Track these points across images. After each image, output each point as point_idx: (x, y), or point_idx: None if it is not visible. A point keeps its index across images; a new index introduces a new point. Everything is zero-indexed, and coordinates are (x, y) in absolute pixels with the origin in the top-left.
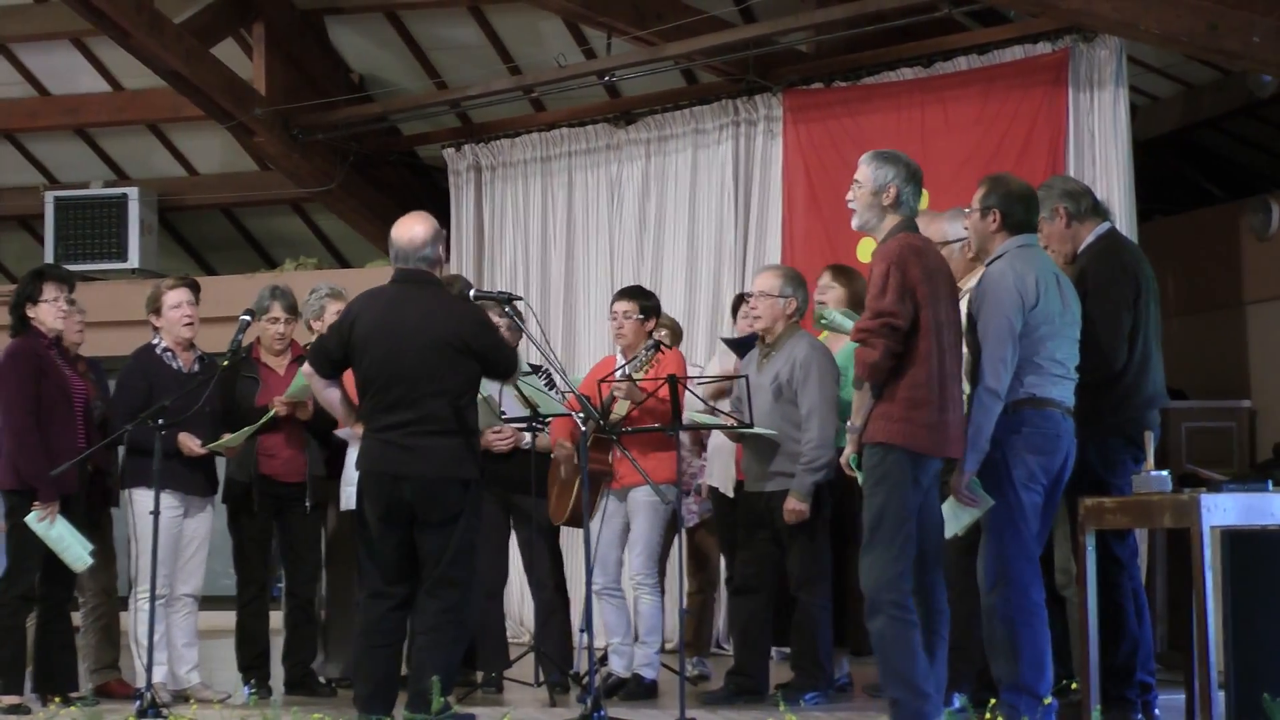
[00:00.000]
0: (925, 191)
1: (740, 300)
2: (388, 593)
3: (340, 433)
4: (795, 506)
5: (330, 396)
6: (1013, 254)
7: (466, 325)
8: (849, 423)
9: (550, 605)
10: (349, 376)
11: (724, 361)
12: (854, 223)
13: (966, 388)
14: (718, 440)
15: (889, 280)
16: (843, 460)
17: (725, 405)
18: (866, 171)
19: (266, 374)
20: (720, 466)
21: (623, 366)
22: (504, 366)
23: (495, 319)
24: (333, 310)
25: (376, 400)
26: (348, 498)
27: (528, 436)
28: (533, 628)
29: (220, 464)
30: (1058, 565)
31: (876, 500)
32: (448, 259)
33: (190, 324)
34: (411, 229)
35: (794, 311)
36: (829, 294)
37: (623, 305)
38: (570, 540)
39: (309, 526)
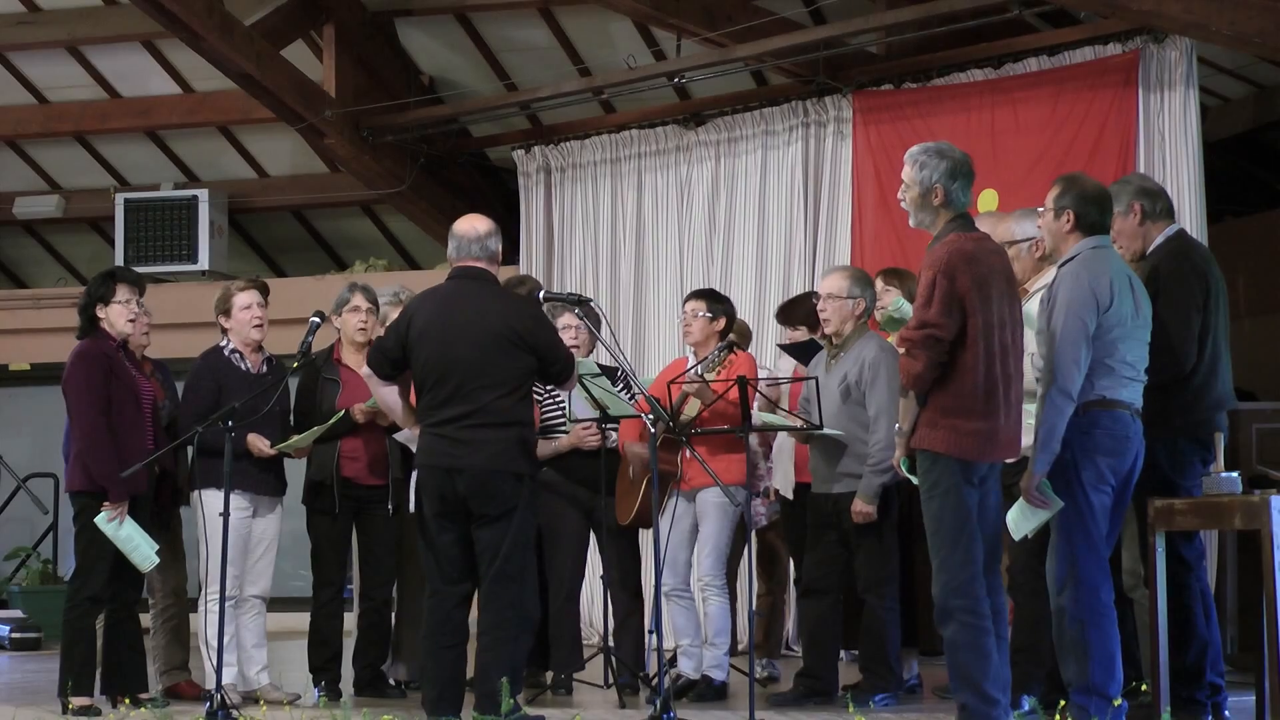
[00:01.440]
0: (995, 193)
1: (787, 309)
2: (449, 591)
3: (399, 436)
4: (862, 508)
5: (388, 397)
6: (1086, 255)
7: (520, 318)
8: (896, 426)
9: (627, 609)
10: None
11: (785, 364)
12: (910, 222)
13: (1039, 389)
14: (780, 442)
15: (935, 290)
16: (893, 461)
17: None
18: (910, 172)
19: (347, 375)
20: (781, 469)
21: (694, 366)
22: (559, 367)
23: (570, 320)
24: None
25: (432, 395)
26: (414, 499)
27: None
28: (603, 629)
29: (299, 465)
30: (1125, 567)
31: (933, 507)
32: (516, 259)
33: (260, 325)
34: (473, 222)
35: (862, 312)
36: (885, 298)
37: (691, 304)
38: (641, 543)
39: (388, 529)
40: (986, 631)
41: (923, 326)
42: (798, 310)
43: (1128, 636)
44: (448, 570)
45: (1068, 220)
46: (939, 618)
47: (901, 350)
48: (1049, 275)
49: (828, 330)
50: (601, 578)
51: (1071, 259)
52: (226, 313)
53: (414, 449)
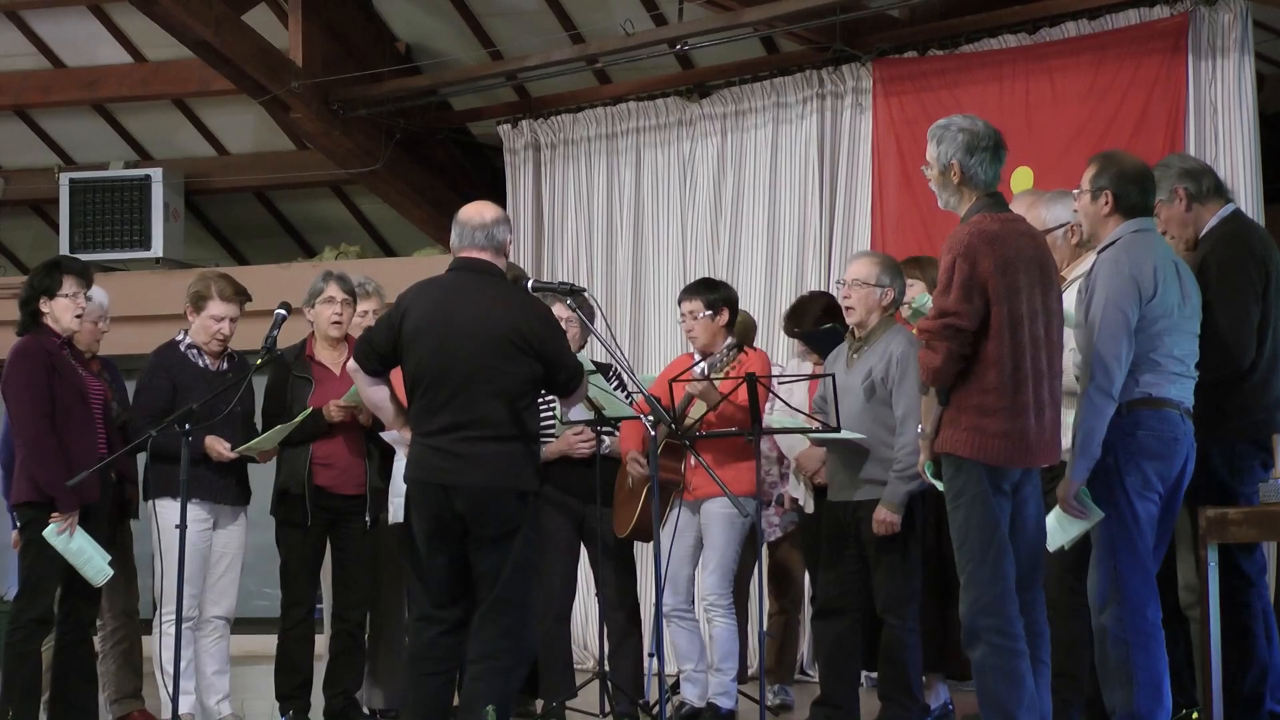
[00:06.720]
0: (1029, 170)
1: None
2: (437, 616)
3: (386, 435)
4: (886, 517)
5: (376, 395)
6: (1128, 240)
7: (528, 320)
8: (919, 428)
9: (624, 629)
10: (399, 377)
11: (803, 363)
12: (939, 203)
13: (1077, 387)
14: (793, 446)
15: (954, 275)
16: (918, 467)
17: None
18: (930, 150)
19: (321, 373)
20: (801, 478)
21: (699, 364)
22: (565, 375)
23: (560, 312)
24: (362, 308)
25: (426, 401)
26: (396, 509)
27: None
28: (598, 653)
29: (264, 472)
30: (1182, 582)
31: (958, 517)
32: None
33: (224, 340)
34: (479, 208)
35: (890, 303)
36: (910, 291)
37: (687, 305)
38: (639, 557)
39: (365, 544)
40: (1019, 654)
41: (941, 315)
42: (807, 315)
43: (1180, 659)
44: (437, 594)
45: (1106, 202)
46: (967, 639)
47: (920, 342)
48: (1088, 262)
49: (851, 320)
50: (596, 595)
51: (1111, 244)
52: (197, 309)
53: (401, 451)
